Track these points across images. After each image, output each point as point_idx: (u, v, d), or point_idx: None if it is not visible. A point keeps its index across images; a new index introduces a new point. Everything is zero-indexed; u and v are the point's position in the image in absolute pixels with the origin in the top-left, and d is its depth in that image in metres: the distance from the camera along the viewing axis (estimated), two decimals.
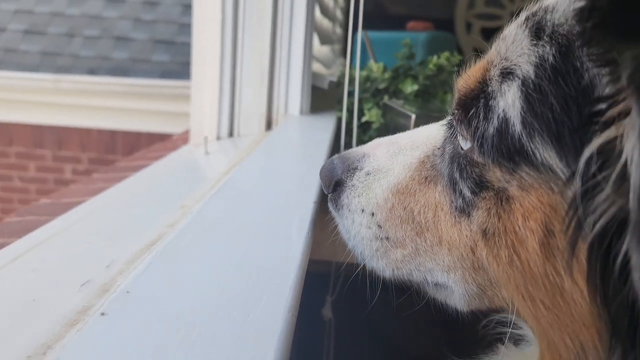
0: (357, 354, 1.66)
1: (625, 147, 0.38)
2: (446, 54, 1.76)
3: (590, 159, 0.41)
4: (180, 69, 4.89)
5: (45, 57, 5.17)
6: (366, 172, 0.70)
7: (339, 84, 1.84)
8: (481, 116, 0.52)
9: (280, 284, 0.55)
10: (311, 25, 1.71)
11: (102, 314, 0.47)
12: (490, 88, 0.53)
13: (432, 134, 0.67)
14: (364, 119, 1.67)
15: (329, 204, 0.74)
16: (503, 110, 0.50)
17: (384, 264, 0.66)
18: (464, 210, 0.55)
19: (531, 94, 0.47)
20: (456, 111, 0.58)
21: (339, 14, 2.85)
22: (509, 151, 0.49)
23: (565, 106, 0.44)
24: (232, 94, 1.67)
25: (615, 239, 0.39)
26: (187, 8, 5.04)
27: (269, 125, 1.68)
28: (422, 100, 1.74)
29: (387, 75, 1.75)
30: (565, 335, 0.46)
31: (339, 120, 1.60)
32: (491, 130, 0.51)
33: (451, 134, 0.62)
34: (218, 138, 1.69)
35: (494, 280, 0.56)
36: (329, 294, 1.36)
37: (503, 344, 0.70)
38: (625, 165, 0.38)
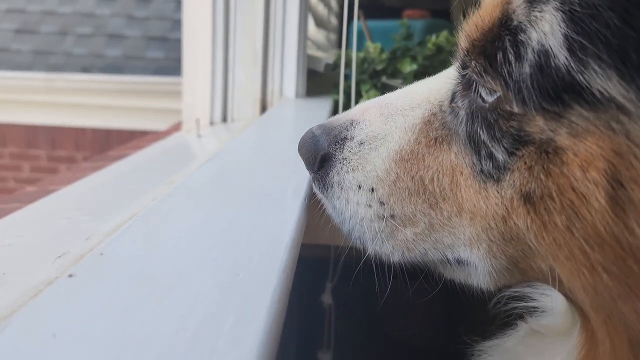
0: (358, 341, 1.61)
1: None
2: (445, 33, 1.70)
3: None
4: (174, 66, 4.83)
5: (37, 56, 5.12)
6: (359, 141, 0.59)
7: (335, 66, 1.78)
8: (511, 57, 0.44)
9: (274, 244, 0.49)
10: (305, 6, 1.66)
11: (70, 275, 0.41)
12: (514, 22, 0.44)
13: (434, 89, 0.58)
14: (361, 101, 1.61)
15: (314, 185, 0.63)
16: (538, 42, 0.42)
17: (391, 246, 0.56)
18: (492, 175, 0.47)
19: (576, 12, 0.39)
20: (474, 62, 0.48)
21: (334, 4, 2.80)
22: (555, 89, 0.41)
23: (626, 15, 0.37)
24: (224, 78, 1.62)
25: None
26: (180, 4, 4.98)
27: (263, 109, 1.62)
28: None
29: (384, 56, 1.70)
30: (638, 306, 0.39)
31: (337, 103, 1.55)
32: (527, 69, 0.42)
33: (464, 86, 0.52)
34: (211, 123, 1.63)
35: (528, 250, 0.48)
36: (329, 280, 1.31)
37: (523, 319, 0.63)
38: None
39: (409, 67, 1.62)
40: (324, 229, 1.37)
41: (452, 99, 0.55)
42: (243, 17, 1.59)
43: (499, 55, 0.45)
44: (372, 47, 1.74)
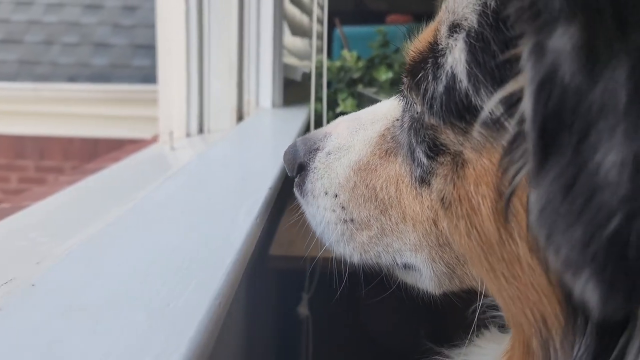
0: (337, 352, 1.61)
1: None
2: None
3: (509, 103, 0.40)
4: None
5: (23, 65, 5.09)
6: (327, 152, 0.65)
7: (311, 75, 1.78)
8: (430, 77, 0.49)
9: (213, 271, 0.49)
10: (280, 15, 1.66)
11: None
12: (440, 46, 0.49)
13: (393, 106, 0.63)
14: (338, 110, 1.61)
15: (295, 191, 0.70)
16: (451, 66, 0.46)
17: (351, 248, 0.62)
18: (424, 180, 0.52)
19: (474, 44, 0.44)
20: (405, 79, 0.55)
21: (316, 10, 2.79)
22: (458, 109, 0.45)
23: (507, 51, 0.41)
24: (200, 89, 1.62)
25: None
26: None
27: (240, 120, 1.62)
28: (399, 88, 1.69)
29: (360, 64, 1.70)
30: (526, 308, 0.43)
31: (314, 112, 1.55)
32: (440, 89, 0.47)
33: (407, 103, 0.58)
34: (188, 135, 1.63)
35: (461, 257, 0.53)
36: (305, 291, 1.30)
37: (488, 328, 0.66)
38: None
39: (384, 76, 1.63)
40: (300, 241, 1.37)
41: (402, 114, 0.60)
42: (217, 27, 1.59)
43: (421, 74, 0.49)
44: (348, 56, 1.75)
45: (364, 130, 0.63)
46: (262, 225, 0.66)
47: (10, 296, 0.43)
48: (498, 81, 0.42)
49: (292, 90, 1.83)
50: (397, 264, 0.60)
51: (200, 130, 1.62)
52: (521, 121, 0.39)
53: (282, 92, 1.68)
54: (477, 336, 0.67)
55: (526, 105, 0.34)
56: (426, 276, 0.57)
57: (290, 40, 1.97)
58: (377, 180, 0.59)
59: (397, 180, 0.57)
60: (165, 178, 0.82)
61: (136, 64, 5.12)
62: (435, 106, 0.47)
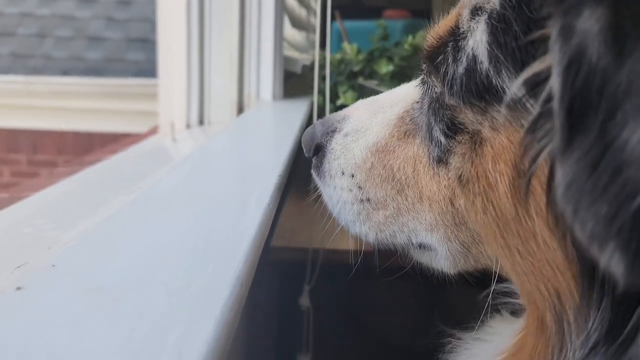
0: (337, 343, 1.61)
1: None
2: (422, 33, 1.71)
3: (534, 82, 0.40)
4: (156, 68, 4.79)
5: (16, 59, 5.04)
6: (344, 133, 0.67)
7: (311, 68, 1.78)
8: (450, 60, 0.50)
9: (232, 254, 0.49)
10: (281, 7, 1.66)
11: (18, 288, 0.40)
12: (461, 29, 0.50)
13: (412, 90, 0.65)
14: (339, 102, 1.61)
15: (312, 172, 0.71)
16: (472, 48, 0.48)
17: (367, 227, 0.63)
18: (442, 159, 0.53)
19: (496, 25, 0.45)
20: (424, 65, 0.57)
21: (314, 4, 2.79)
22: (479, 90, 0.47)
23: (528, 33, 0.42)
24: (200, 81, 1.61)
25: None
26: None
27: (240, 112, 1.61)
28: (399, 81, 1.68)
29: (361, 57, 1.70)
30: (540, 283, 0.44)
31: (317, 104, 1.55)
32: (460, 70, 0.49)
33: (427, 87, 0.59)
34: (188, 127, 1.62)
35: (476, 236, 0.54)
36: (306, 282, 1.30)
37: (500, 312, 0.67)
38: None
39: (385, 68, 1.63)
40: (301, 232, 1.37)
41: (421, 97, 0.61)
42: (218, 20, 1.58)
43: (440, 57, 0.51)
44: (348, 48, 1.74)
45: (382, 113, 0.65)
46: (274, 212, 0.66)
47: (30, 276, 0.42)
48: (519, 62, 0.43)
49: (292, 82, 1.83)
50: (412, 244, 0.61)
51: (201, 122, 1.61)
52: (546, 101, 0.39)
53: (283, 85, 1.68)
54: (489, 319, 0.68)
55: (554, 85, 0.35)
56: (441, 255, 0.59)
57: (290, 32, 1.97)
58: (394, 161, 0.60)
59: (415, 160, 0.58)
60: (170, 167, 0.81)
61: (131, 58, 5.08)
62: (455, 87, 0.49)
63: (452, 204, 0.53)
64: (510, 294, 0.70)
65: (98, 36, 5.17)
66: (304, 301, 1.31)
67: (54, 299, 0.39)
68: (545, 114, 0.39)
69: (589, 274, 0.39)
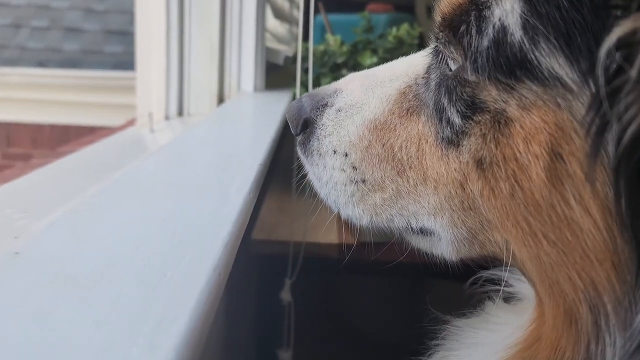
0: (319, 339, 1.59)
1: None
2: (405, 26, 1.69)
3: (609, 54, 0.36)
4: (134, 60, 4.72)
5: None
6: (337, 108, 0.61)
7: (294, 59, 1.75)
8: (473, 31, 0.46)
9: (210, 242, 0.46)
10: None
11: None
12: None
13: (414, 63, 0.60)
14: None
15: (298, 149, 0.66)
16: (499, 19, 0.44)
17: (361, 210, 0.59)
18: (452, 141, 0.49)
19: None
20: (442, 33, 0.51)
21: None
22: (509, 63, 0.43)
23: (575, 1, 0.39)
24: (180, 71, 1.57)
25: None
26: None
27: (221, 103, 1.58)
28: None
29: (344, 49, 1.68)
30: (573, 272, 0.41)
31: (296, 96, 1.52)
32: (486, 43, 0.45)
33: (438, 60, 0.55)
34: (167, 118, 1.58)
35: (485, 222, 0.50)
36: (288, 276, 1.28)
37: (492, 300, 0.65)
38: None
39: (369, 60, 1.61)
40: (283, 225, 1.35)
41: (427, 72, 0.57)
42: (198, 9, 1.54)
43: (463, 27, 0.47)
44: (332, 40, 1.72)
45: (381, 87, 0.60)
46: (254, 202, 0.64)
47: None
48: (565, 34, 0.39)
49: (275, 74, 1.80)
50: (412, 228, 0.57)
51: (180, 113, 1.58)
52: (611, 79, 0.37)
53: (264, 76, 1.65)
54: (481, 307, 0.66)
55: None
56: (445, 241, 0.55)
57: (273, 23, 1.94)
58: (395, 140, 0.56)
59: (420, 140, 0.54)
60: (148, 154, 0.78)
61: (108, 50, 5.00)
62: (479, 60, 0.45)
63: (462, 188, 0.50)
64: (498, 281, 0.68)
65: (75, 27, 5.07)
66: (285, 295, 1.29)
67: (18, 289, 0.36)
68: (616, 90, 0.36)
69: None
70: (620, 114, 0.36)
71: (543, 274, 0.44)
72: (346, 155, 0.59)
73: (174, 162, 0.75)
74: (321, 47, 1.71)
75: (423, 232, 0.56)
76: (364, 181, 0.58)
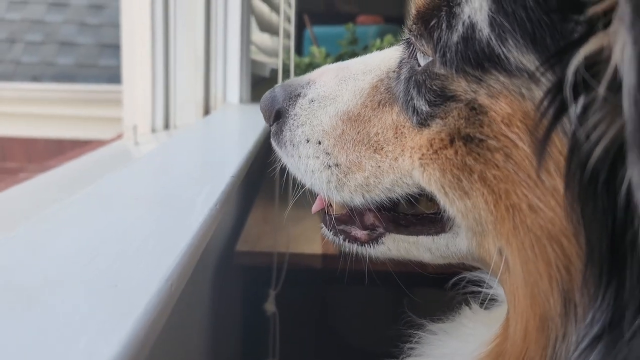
0: (305, 349, 1.59)
1: (614, 47, 0.35)
2: (389, 37, 1.71)
3: (576, 72, 0.38)
4: None
5: None
6: (310, 99, 0.62)
7: (278, 72, 1.77)
8: (443, 25, 0.48)
9: (167, 252, 0.47)
10: (247, 10, 1.64)
11: None
12: None
13: (387, 57, 0.61)
14: None
15: (272, 140, 0.66)
16: (468, 16, 0.46)
17: (348, 192, 0.58)
18: (423, 124, 0.50)
19: None
20: (414, 26, 0.53)
21: (285, 8, 2.78)
22: (477, 57, 0.45)
23: (541, 2, 0.41)
24: (165, 84, 1.58)
25: (619, 163, 0.36)
26: None
27: (207, 115, 1.59)
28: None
29: (329, 60, 1.69)
30: (549, 249, 0.41)
31: None
32: (455, 38, 0.47)
33: (409, 54, 0.56)
34: (153, 131, 1.59)
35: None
36: (272, 287, 1.28)
37: (468, 304, 0.66)
38: (615, 71, 0.35)
39: None
40: (266, 237, 1.35)
41: (398, 66, 0.58)
42: (183, 22, 1.56)
43: (434, 21, 0.48)
44: (317, 52, 1.74)
45: (354, 80, 0.61)
46: (223, 213, 0.64)
47: None
48: (531, 34, 0.41)
49: (261, 86, 1.81)
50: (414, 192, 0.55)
51: (166, 126, 1.59)
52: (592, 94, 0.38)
53: (250, 88, 1.66)
54: (458, 312, 0.66)
55: (624, 74, 0.33)
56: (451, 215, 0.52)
57: (259, 37, 1.95)
58: (371, 129, 0.57)
59: (396, 127, 0.55)
60: (122, 167, 0.79)
61: (102, 63, 5.02)
62: (448, 54, 0.47)
63: (437, 153, 0.49)
64: (479, 283, 0.68)
65: (69, 41, 5.09)
66: (270, 306, 1.29)
67: None
68: (586, 106, 0.38)
69: (592, 254, 0.38)
70: (589, 132, 0.37)
71: (529, 276, 0.44)
72: (319, 143, 0.60)
73: (147, 174, 0.76)
74: (306, 60, 1.73)
75: (428, 198, 0.55)
76: (337, 165, 0.58)
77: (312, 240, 1.29)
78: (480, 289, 0.65)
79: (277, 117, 0.63)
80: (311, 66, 1.73)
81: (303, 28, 2.55)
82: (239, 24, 1.60)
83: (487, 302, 0.64)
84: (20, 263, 0.42)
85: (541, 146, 0.40)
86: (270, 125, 0.65)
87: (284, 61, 1.62)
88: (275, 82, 1.87)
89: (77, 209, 0.58)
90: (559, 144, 0.40)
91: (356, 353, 1.62)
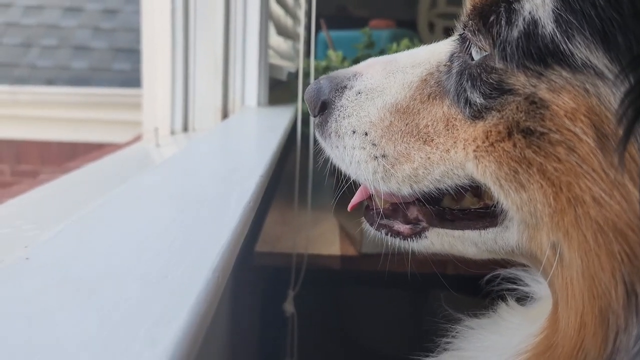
0: (322, 350, 1.60)
1: None
2: (406, 41, 1.72)
3: None
4: (141, 77, 4.78)
5: (0, 68, 5.00)
6: (357, 91, 0.62)
7: (297, 75, 1.78)
8: (503, 21, 0.49)
9: (210, 247, 0.48)
10: (266, 15, 1.66)
11: None
12: None
13: (436, 51, 0.62)
14: None
15: (316, 131, 0.66)
16: (529, 12, 0.47)
17: (396, 183, 0.58)
18: (477, 117, 0.51)
19: None
20: (471, 22, 0.53)
21: (300, 14, 2.81)
22: (540, 52, 0.46)
23: (612, 1, 0.41)
24: (185, 87, 1.60)
25: None
26: None
27: (225, 118, 1.61)
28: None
29: (346, 64, 1.71)
30: (613, 241, 0.42)
31: (301, 110, 1.55)
32: (516, 33, 0.47)
33: (462, 48, 0.56)
34: (172, 133, 1.61)
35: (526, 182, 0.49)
36: (291, 288, 1.29)
37: (505, 301, 0.66)
38: None
39: None
40: (285, 238, 1.37)
41: (449, 60, 0.59)
42: (203, 26, 1.58)
43: (492, 17, 0.49)
44: (334, 56, 1.75)
45: (402, 73, 0.61)
46: (255, 211, 0.66)
47: (2, 269, 0.42)
48: (600, 30, 0.42)
49: (278, 90, 1.83)
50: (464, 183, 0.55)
51: (185, 128, 1.61)
52: None
53: (268, 91, 1.68)
54: (494, 309, 0.66)
55: None
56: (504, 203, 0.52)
57: (276, 40, 1.98)
58: (420, 121, 0.57)
59: (447, 119, 0.55)
60: (151, 167, 0.81)
61: (116, 67, 5.07)
62: (508, 49, 0.47)
63: (493, 146, 0.50)
64: (515, 280, 0.68)
65: (84, 45, 5.15)
66: (289, 307, 1.30)
67: (25, 291, 0.39)
68: None
69: None
70: None
71: (589, 268, 0.44)
72: (366, 134, 0.60)
73: (177, 174, 0.78)
74: (323, 63, 1.74)
75: (473, 193, 0.56)
76: (384, 156, 0.58)
77: (330, 242, 1.31)
78: (515, 286, 0.66)
79: (322, 108, 0.64)
80: (328, 69, 1.74)
81: (317, 32, 2.57)
82: (258, 28, 1.62)
83: (522, 299, 0.65)
84: (73, 257, 0.44)
85: (620, 148, 0.41)
86: (315, 117, 0.65)
87: (304, 63, 1.63)
88: (293, 85, 1.89)
89: (115, 207, 0.60)
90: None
91: (374, 355, 1.62)
